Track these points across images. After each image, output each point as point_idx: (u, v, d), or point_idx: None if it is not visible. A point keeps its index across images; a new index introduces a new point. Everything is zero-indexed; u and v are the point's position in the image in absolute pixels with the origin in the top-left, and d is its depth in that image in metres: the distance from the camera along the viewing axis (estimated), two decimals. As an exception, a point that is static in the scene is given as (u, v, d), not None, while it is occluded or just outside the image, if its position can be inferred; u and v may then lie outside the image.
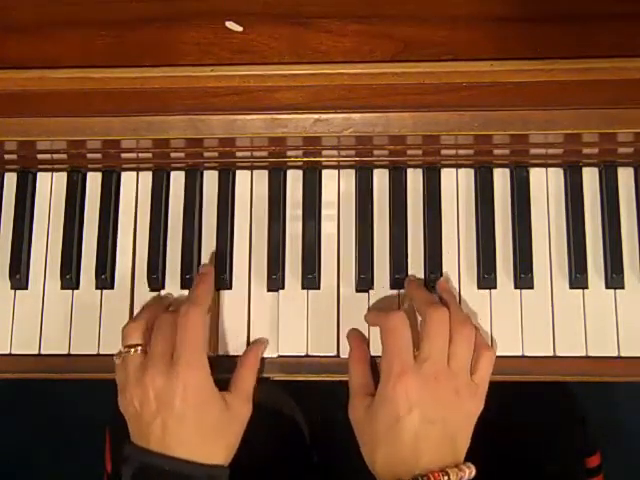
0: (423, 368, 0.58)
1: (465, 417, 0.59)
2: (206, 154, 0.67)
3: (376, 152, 0.66)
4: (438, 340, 0.59)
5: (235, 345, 0.66)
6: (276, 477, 0.75)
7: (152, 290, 0.68)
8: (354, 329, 0.66)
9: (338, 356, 0.66)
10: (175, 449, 0.58)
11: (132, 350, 0.61)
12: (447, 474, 0.55)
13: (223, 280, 0.67)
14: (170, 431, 0.58)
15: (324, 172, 0.69)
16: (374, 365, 0.64)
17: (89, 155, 0.67)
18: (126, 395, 0.60)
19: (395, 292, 0.66)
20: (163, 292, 0.68)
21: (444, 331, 0.60)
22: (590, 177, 0.68)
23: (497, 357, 0.65)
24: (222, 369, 0.63)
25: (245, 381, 0.63)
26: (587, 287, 0.66)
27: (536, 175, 0.68)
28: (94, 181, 0.70)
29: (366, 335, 0.66)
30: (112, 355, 0.64)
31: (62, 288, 0.68)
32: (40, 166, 0.70)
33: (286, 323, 0.66)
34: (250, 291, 0.67)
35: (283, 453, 0.77)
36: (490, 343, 0.65)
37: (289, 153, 0.66)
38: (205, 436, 0.59)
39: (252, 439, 0.63)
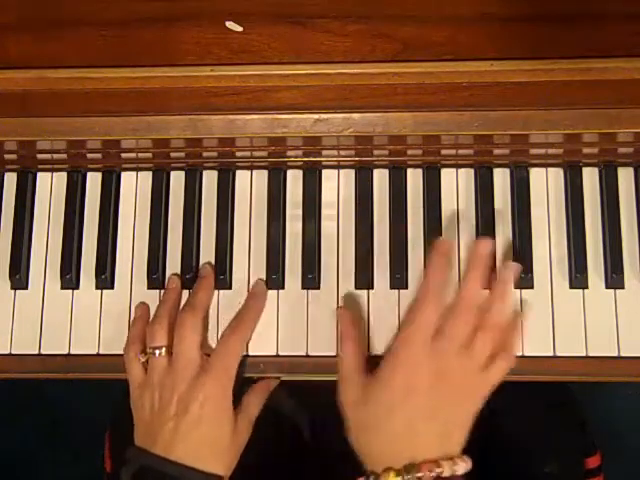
0: (434, 343, 0.57)
1: (465, 412, 0.58)
2: (206, 154, 0.67)
3: (376, 152, 0.66)
4: (460, 323, 0.58)
5: (235, 345, 0.66)
6: (275, 477, 0.75)
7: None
8: (342, 308, 0.65)
9: (338, 356, 0.66)
10: (179, 455, 0.58)
11: (157, 352, 0.62)
12: (440, 466, 0.54)
13: (223, 280, 0.67)
14: (180, 436, 0.59)
15: (324, 172, 0.69)
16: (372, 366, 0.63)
17: (89, 155, 0.67)
18: (146, 395, 0.61)
19: (395, 292, 0.66)
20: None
21: (467, 315, 0.59)
22: (590, 177, 0.68)
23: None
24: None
25: (253, 407, 0.65)
26: (587, 287, 0.66)
27: (536, 175, 0.68)
28: (94, 181, 0.70)
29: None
30: (112, 355, 0.65)
31: (62, 288, 0.68)
32: (40, 166, 0.70)
33: (286, 323, 0.66)
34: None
35: (282, 453, 0.77)
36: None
37: (289, 153, 0.66)
38: (211, 449, 0.60)
39: (252, 439, 0.63)
